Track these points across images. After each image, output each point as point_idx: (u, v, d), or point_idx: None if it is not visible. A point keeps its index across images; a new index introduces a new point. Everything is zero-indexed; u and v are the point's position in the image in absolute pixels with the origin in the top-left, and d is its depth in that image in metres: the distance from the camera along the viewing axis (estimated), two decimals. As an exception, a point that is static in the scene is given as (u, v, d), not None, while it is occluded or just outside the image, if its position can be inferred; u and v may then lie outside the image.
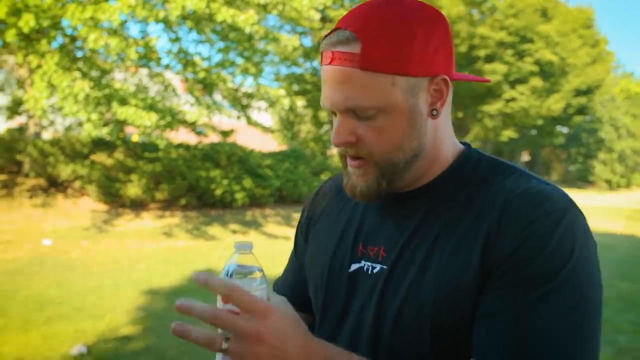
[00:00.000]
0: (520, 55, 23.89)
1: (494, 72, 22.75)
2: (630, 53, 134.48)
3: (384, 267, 0.87)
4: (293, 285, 1.08)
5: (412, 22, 0.79)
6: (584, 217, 0.80)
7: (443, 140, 0.88)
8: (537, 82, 23.89)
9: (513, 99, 24.14)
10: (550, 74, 25.03)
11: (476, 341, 0.76)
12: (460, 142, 0.94)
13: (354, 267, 0.91)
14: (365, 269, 0.90)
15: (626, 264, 8.09)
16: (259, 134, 18.57)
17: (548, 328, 0.72)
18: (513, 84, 24.23)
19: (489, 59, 23.09)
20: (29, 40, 7.55)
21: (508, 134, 26.42)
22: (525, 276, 0.74)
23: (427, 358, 0.80)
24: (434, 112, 0.84)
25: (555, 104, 25.30)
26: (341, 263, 0.93)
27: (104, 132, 8.48)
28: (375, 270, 0.88)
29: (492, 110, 24.27)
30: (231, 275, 0.73)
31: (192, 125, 10.40)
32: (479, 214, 0.81)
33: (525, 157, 38.26)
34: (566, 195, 0.80)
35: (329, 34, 0.82)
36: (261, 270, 0.75)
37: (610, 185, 39.06)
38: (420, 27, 0.79)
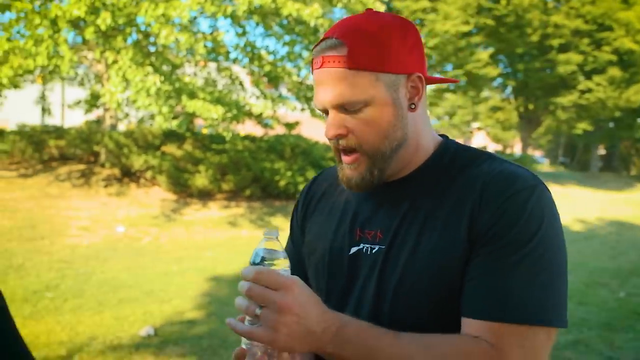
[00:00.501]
0: (598, 45, 22.75)
1: (568, 62, 21.79)
2: None
3: (382, 247, 0.98)
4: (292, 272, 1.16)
5: (389, 28, 0.93)
6: (550, 192, 0.94)
7: (422, 131, 1.00)
8: (615, 72, 22.68)
9: (589, 90, 23.04)
10: (630, 63, 23.68)
11: (464, 302, 0.90)
12: (439, 135, 1.06)
13: (353, 249, 1.02)
14: (364, 250, 1.00)
15: None
16: (321, 126, 18.69)
17: (524, 286, 0.86)
18: (589, 75, 23.12)
19: (563, 48, 22.13)
20: (106, 37, 7.96)
21: (582, 126, 25.28)
22: (503, 244, 0.88)
23: (425, 326, 0.91)
24: (412, 106, 0.96)
25: (635, 95, 23.91)
26: (341, 247, 1.03)
27: (174, 125, 8.82)
28: (374, 251, 0.99)
29: (565, 101, 23.27)
30: (261, 260, 0.83)
31: (257, 118, 10.63)
32: (461, 195, 0.94)
33: (601, 150, 36.48)
34: (534, 175, 0.95)
35: (318, 43, 0.94)
36: (286, 256, 0.85)
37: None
38: (395, 32, 0.93)
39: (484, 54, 17.67)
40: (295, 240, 1.18)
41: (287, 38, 10.46)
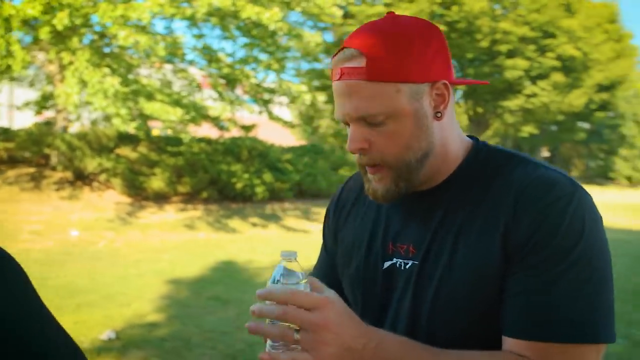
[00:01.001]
0: (542, 51, 23.65)
1: (515, 67, 22.56)
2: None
3: (415, 262, 0.94)
4: (327, 280, 1.08)
5: (410, 35, 0.88)
6: (590, 196, 0.88)
7: (451, 138, 0.95)
8: (558, 77, 23.63)
9: (534, 95, 23.91)
10: (572, 69, 24.74)
11: (505, 319, 0.85)
12: (468, 136, 1.01)
13: (387, 264, 0.99)
14: (398, 265, 0.97)
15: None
16: (278, 129, 18.63)
17: (570, 301, 0.81)
18: (534, 80, 24.00)
19: (511, 54, 22.91)
20: (61, 37, 7.77)
21: (528, 129, 26.21)
22: (544, 257, 0.83)
23: (462, 341, 0.88)
24: (438, 114, 0.91)
25: (576, 99, 25.02)
26: (375, 261, 1.00)
27: (133, 127, 8.69)
28: (407, 266, 0.96)
29: (513, 105, 24.09)
30: (279, 281, 0.79)
31: (214, 120, 10.58)
32: (495, 203, 0.89)
33: (544, 152, 37.89)
34: (572, 179, 0.89)
35: (336, 53, 0.91)
36: (305, 276, 0.81)
37: (631, 181, 38.51)
38: (417, 39, 0.88)
39: (436, 59, 18.14)
40: (328, 249, 1.14)
41: (243, 40, 10.46)
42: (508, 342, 0.85)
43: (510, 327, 0.85)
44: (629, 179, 38.38)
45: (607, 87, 28.46)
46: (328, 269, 1.13)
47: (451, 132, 0.96)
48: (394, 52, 0.86)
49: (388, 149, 0.90)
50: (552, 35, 23.55)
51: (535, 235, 0.84)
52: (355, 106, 0.88)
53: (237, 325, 4.59)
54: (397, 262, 0.98)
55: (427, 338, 0.88)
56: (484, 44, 21.13)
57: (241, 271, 6.72)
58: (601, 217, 0.89)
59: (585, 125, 33.51)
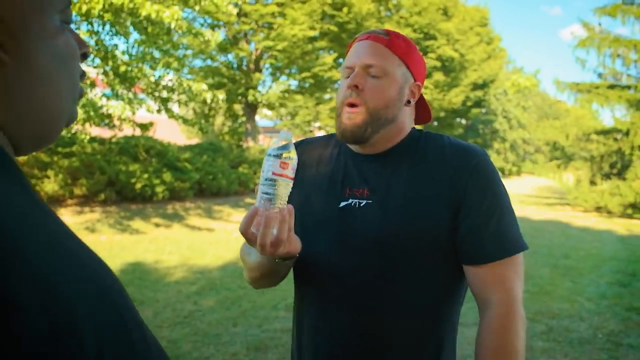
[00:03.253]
0: (425, 52, 25.08)
1: (400, 67, 23.70)
2: (520, 50, 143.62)
3: (369, 201, 1.22)
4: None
5: (415, 46, 1.30)
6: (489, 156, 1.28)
7: (405, 123, 1.29)
8: (439, 76, 25.19)
9: (418, 93, 25.26)
10: (451, 69, 26.43)
11: (467, 252, 1.20)
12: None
13: (342, 204, 1.25)
14: (353, 204, 1.24)
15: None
16: (165, 127, 18.15)
17: (506, 228, 1.21)
18: (418, 79, 25.34)
19: (396, 54, 24.03)
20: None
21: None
22: (482, 204, 1.19)
23: (404, 253, 1.20)
24: (408, 102, 1.27)
25: (455, 97, 26.79)
26: (332, 201, 1.26)
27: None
28: (362, 204, 1.23)
29: (399, 103, 25.27)
30: (278, 154, 1.05)
31: (108, 118, 10.19)
32: (435, 161, 1.23)
33: (428, 147, 40.08)
34: (477, 146, 1.27)
35: (364, 33, 1.28)
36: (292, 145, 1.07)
37: (504, 173, 41.96)
38: (417, 51, 1.30)
39: (328, 58, 18.62)
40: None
41: (137, 36, 10.17)
42: (470, 272, 1.20)
43: (471, 256, 1.19)
44: (501, 170, 41.74)
45: (481, 86, 30.74)
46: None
47: (408, 119, 1.30)
48: (407, 44, 1.26)
49: (373, 95, 1.21)
50: (433, 37, 25.03)
51: (475, 190, 1.19)
52: (369, 56, 1.22)
53: (156, 324, 4.59)
54: (352, 202, 1.24)
55: (378, 254, 1.20)
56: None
57: (151, 272, 6.62)
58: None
59: (463, 121, 35.97)
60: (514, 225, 1.23)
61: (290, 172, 1.05)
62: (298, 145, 1.37)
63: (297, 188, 1.24)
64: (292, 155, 1.05)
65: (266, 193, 1.04)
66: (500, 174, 1.44)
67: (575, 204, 16.96)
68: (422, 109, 1.37)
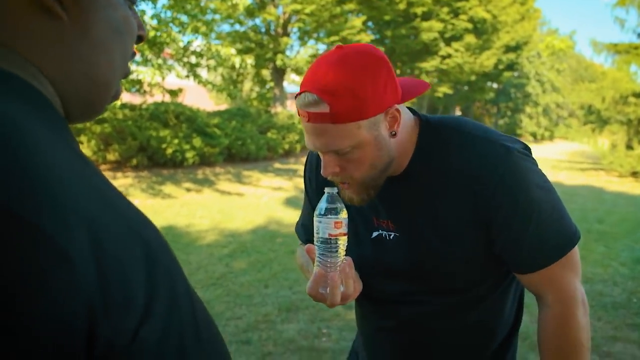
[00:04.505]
0: (456, 13, 24.44)
1: (430, 29, 23.21)
2: (555, 10, 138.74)
3: (397, 234, 1.18)
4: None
5: (362, 76, 0.99)
6: (522, 153, 1.13)
7: (405, 137, 1.12)
8: (471, 39, 24.59)
9: (449, 56, 24.77)
10: (483, 31, 25.76)
11: (508, 261, 1.15)
12: (409, 109, 1.17)
13: (375, 234, 1.22)
14: (383, 235, 1.20)
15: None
16: (194, 93, 18.18)
17: (552, 230, 1.12)
18: (449, 41, 24.83)
19: (426, 16, 23.51)
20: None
21: (443, 90, 27.19)
22: (515, 221, 1.10)
23: (446, 279, 1.19)
24: (393, 133, 1.07)
25: (487, 60, 26.17)
26: (364, 230, 1.23)
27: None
28: (391, 237, 1.19)
29: (429, 67, 24.86)
30: (325, 212, 1.05)
31: (139, 84, 10.26)
32: (453, 177, 1.11)
33: (457, 112, 39.51)
34: (501, 143, 1.11)
35: (299, 94, 1.03)
36: (343, 207, 1.07)
37: (536, 137, 41.10)
38: (368, 78, 1.00)
39: (357, 21, 18.32)
40: (312, 200, 1.34)
41: (163, 1, 10.16)
42: (524, 278, 1.15)
43: (520, 265, 1.14)
44: (533, 135, 40.92)
45: (514, 48, 29.95)
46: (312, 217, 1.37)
47: (404, 134, 1.12)
48: (351, 96, 0.98)
49: (356, 171, 1.08)
50: (464, -2, 24.34)
51: (501, 205, 1.09)
52: (324, 143, 1.03)
53: (189, 286, 4.69)
54: (382, 233, 1.20)
55: (418, 283, 1.19)
56: (401, 6, 21.53)
57: (183, 235, 6.75)
58: (534, 161, 1.14)
59: (494, 85, 35.21)
60: (558, 225, 1.12)
61: (345, 228, 1.05)
62: (306, 179, 1.37)
63: None
64: (344, 215, 1.05)
65: (324, 254, 1.05)
66: (532, 138, 1.35)
67: (610, 168, 16.56)
68: (411, 84, 1.16)
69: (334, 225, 1.04)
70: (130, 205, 0.52)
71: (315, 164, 1.32)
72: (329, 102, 0.98)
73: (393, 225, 1.18)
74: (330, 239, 1.04)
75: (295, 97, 1.05)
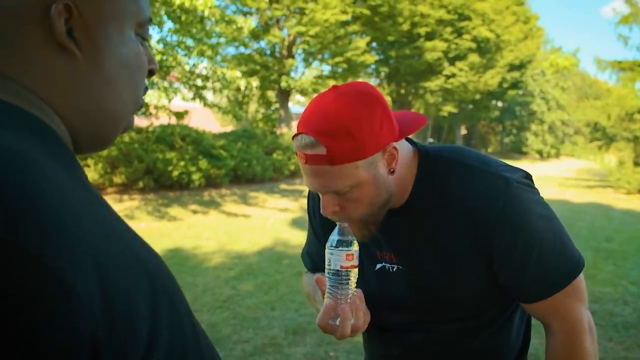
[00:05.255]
0: (459, 33, 24.64)
1: (434, 49, 23.39)
2: (558, 28, 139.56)
3: (400, 267, 1.19)
4: (318, 254, 1.32)
5: (358, 117, 0.99)
6: (519, 179, 1.12)
7: (404, 174, 1.13)
8: (474, 58, 24.75)
9: (453, 75, 24.91)
10: (486, 50, 25.93)
11: (512, 293, 1.15)
12: (408, 140, 1.17)
13: (378, 266, 1.23)
14: (387, 267, 1.21)
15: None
16: (200, 115, 18.27)
17: (550, 262, 1.11)
18: (452, 61, 24.98)
19: (430, 36, 23.71)
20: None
21: (448, 109, 27.30)
22: (516, 254, 1.09)
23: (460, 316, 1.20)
24: (391, 170, 1.07)
25: (491, 79, 26.30)
26: (368, 262, 1.23)
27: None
28: (394, 269, 1.20)
29: (433, 86, 24.99)
30: (337, 245, 1.06)
31: (145, 107, 10.35)
32: (453, 211, 1.11)
33: (463, 130, 39.56)
34: (500, 175, 1.11)
35: (296, 136, 1.04)
36: (354, 239, 1.08)
37: (542, 155, 41.02)
38: (365, 118, 0.99)
39: (361, 42, 18.48)
40: (315, 228, 1.36)
41: (171, 25, 10.27)
42: (530, 308, 1.15)
43: (526, 296, 1.14)
44: (539, 152, 40.85)
45: (518, 67, 30.12)
46: (317, 245, 1.36)
47: (403, 170, 1.12)
48: (348, 137, 0.98)
49: (355, 210, 1.08)
50: (468, 18, 24.57)
51: (502, 239, 1.08)
52: (322, 184, 1.04)
53: (195, 308, 4.67)
54: (385, 265, 1.21)
55: (427, 309, 1.20)
56: (405, 26, 21.75)
57: (189, 257, 6.74)
58: (534, 191, 1.14)
59: (499, 104, 35.29)
60: (561, 254, 1.12)
61: (356, 260, 1.06)
62: (310, 207, 1.38)
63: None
64: (355, 247, 1.07)
65: (335, 286, 1.06)
66: (538, 156, 1.36)
67: (617, 185, 16.47)
68: (409, 118, 1.15)
69: (345, 258, 1.05)
70: (136, 237, 0.53)
71: (318, 198, 1.30)
72: (326, 144, 0.98)
73: (395, 258, 1.19)
74: (341, 271, 1.05)
75: (292, 138, 1.06)
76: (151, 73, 0.65)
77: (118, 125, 0.60)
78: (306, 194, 1.39)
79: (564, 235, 1.13)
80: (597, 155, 18.79)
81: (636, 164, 16.84)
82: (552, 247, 1.11)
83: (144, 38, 0.62)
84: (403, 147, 1.13)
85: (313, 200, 1.35)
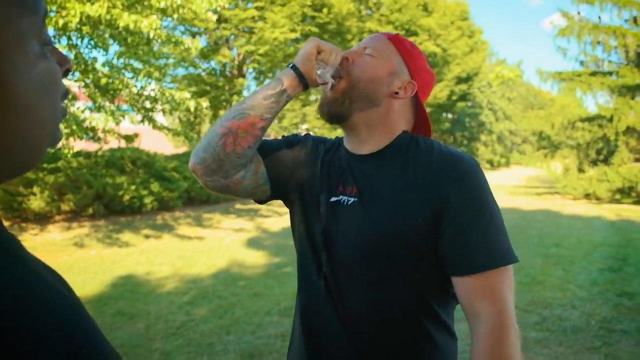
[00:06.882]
0: (407, 48, 25.13)
1: (384, 64, 23.76)
2: (502, 41, 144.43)
3: (355, 199, 1.24)
4: (278, 155, 1.38)
5: (423, 60, 1.34)
6: (480, 166, 1.24)
7: (396, 120, 1.29)
8: (423, 72, 25.25)
9: (403, 90, 25.33)
10: (434, 64, 26.56)
11: (452, 258, 1.15)
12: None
13: (333, 199, 1.28)
14: (342, 201, 1.26)
15: (510, 234, 9.02)
16: (153, 137, 18.02)
17: (496, 239, 1.16)
18: (402, 76, 25.41)
19: (378, 52, 24.10)
20: None
21: (400, 122, 27.69)
22: (472, 213, 1.15)
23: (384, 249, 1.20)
24: (395, 93, 1.27)
25: (440, 92, 26.94)
26: (325, 195, 1.29)
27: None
28: (349, 202, 1.25)
29: (384, 101, 25.34)
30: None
31: (92, 131, 10.10)
32: (421, 165, 1.20)
33: (416, 143, 40.19)
34: (470, 155, 1.24)
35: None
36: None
37: (492, 164, 42.16)
38: (424, 60, 1.33)
39: (311, 60, 18.63)
40: (289, 150, 1.39)
41: (116, 48, 10.10)
42: (458, 283, 1.15)
43: (457, 266, 1.14)
44: (490, 162, 41.97)
45: (465, 79, 30.92)
46: (279, 152, 1.39)
47: (396, 117, 1.29)
48: (412, 47, 1.32)
49: (360, 67, 1.26)
50: (415, 34, 25.13)
51: (460, 199, 1.15)
52: (368, 41, 1.31)
53: (148, 337, 4.55)
54: (342, 198, 1.26)
55: (360, 253, 1.21)
56: (354, 43, 22.05)
57: (142, 284, 6.58)
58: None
59: (449, 116, 36.11)
60: (504, 237, 1.17)
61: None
62: (304, 138, 1.43)
63: (303, 175, 1.36)
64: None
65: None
66: (489, 165, 1.45)
67: (564, 192, 17.07)
68: (421, 122, 1.35)
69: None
70: (54, 290, 0.52)
71: (335, 150, 1.38)
72: (399, 36, 1.32)
73: (357, 191, 1.24)
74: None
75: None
76: (67, 72, 0.60)
77: (41, 148, 0.57)
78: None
79: (504, 227, 1.20)
80: (544, 163, 19.45)
81: (580, 170, 17.51)
82: (499, 224, 1.17)
83: (47, 43, 0.57)
84: (408, 111, 1.32)
85: (323, 143, 1.41)
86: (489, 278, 1.11)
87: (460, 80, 30.16)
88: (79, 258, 8.41)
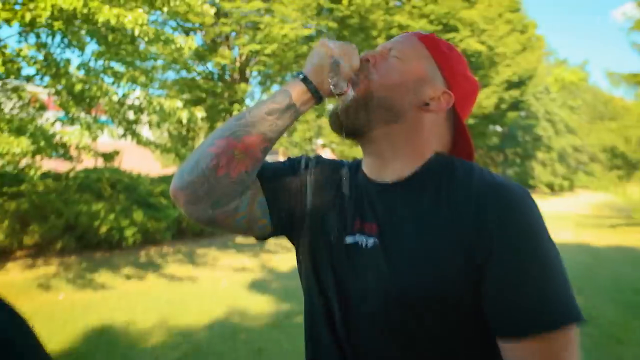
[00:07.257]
0: (445, 47, 25.22)
1: (417, 66, 23.83)
2: (562, 37, 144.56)
3: (376, 240, 1.20)
4: (276, 177, 1.38)
5: (463, 64, 1.33)
6: (533, 199, 1.16)
7: (424, 139, 1.26)
8: (465, 75, 25.27)
9: (439, 97, 25.37)
10: (478, 65, 26.55)
11: (496, 317, 1.09)
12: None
13: (349, 240, 1.25)
14: (359, 243, 1.23)
15: (578, 276, 8.86)
16: (136, 154, 18.19)
17: (554, 291, 1.08)
18: (438, 80, 25.47)
19: (410, 51, 24.21)
20: None
21: (437, 137, 27.67)
22: (519, 257, 1.08)
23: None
24: (426, 105, 1.24)
25: (486, 99, 26.87)
26: (341, 234, 1.27)
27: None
28: (369, 245, 1.21)
29: (418, 110, 25.38)
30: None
31: (63, 148, 10.18)
32: (457, 197, 1.15)
33: (457, 162, 40.10)
34: (520, 186, 1.17)
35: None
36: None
37: (553, 188, 41.81)
38: (464, 66, 1.32)
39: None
40: (294, 174, 1.39)
41: (95, 47, 10.22)
42: (504, 347, 1.09)
43: (499, 328, 1.09)
44: (549, 186, 41.61)
45: (517, 84, 30.86)
46: (282, 178, 1.39)
47: (427, 136, 1.27)
48: (449, 50, 1.30)
49: (381, 71, 1.24)
50: (454, 29, 25.20)
51: (503, 243, 1.08)
52: (395, 42, 1.31)
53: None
54: (359, 240, 1.23)
55: (382, 308, 1.17)
56: (380, 40, 22.18)
57: (121, 336, 6.58)
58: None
59: (498, 128, 36.01)
60: (566, 289, 1.10)
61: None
62: (313, 161, 1.43)
63: (311, 208, 1.35)
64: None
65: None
66: (548, 190, 1.40)
67: (644, 223, 16.84)
68: (460, 143, 1.32)
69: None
70: None
71: (352, 176, 1.37)
72: (435, 37, 1.32)
73: (377, 229, 1.21)
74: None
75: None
76: None
77: None
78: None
79: (564, 274, 1.12)
80: (618, 187, 19.25)
81: (663, 195, 17.26)
82: (557, 272, 1.10)
83: None
84: (442, 129, 1.30)
85: (337, 167, 1.41)
86: (546, 342, 1.06)
87: (510, 85, 30.09)
88: (44, 303, 8.42)
